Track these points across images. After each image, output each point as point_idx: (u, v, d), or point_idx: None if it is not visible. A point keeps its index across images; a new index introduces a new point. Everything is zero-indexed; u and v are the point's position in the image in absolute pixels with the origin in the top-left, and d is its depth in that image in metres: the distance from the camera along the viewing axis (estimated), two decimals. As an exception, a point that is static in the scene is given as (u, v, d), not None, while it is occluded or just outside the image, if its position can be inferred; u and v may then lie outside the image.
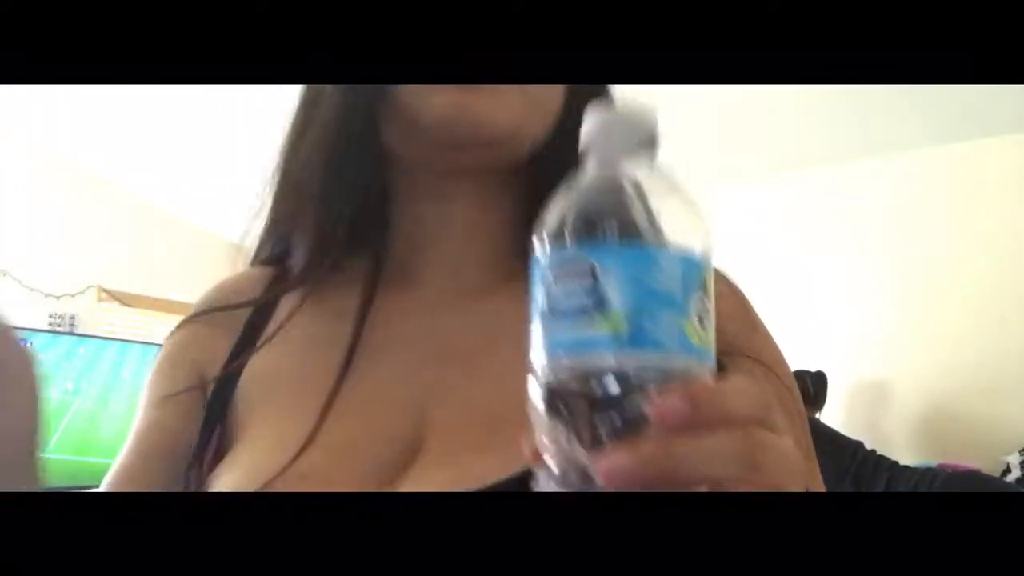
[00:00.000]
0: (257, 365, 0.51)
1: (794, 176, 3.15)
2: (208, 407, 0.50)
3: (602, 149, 0.30)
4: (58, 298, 3.40)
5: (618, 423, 0.26)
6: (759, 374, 0.48)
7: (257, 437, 0.47)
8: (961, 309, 2.80)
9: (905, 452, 2.57)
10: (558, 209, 0.30)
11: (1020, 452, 2.46)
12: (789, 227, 3.18)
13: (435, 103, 0.45)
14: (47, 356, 3.04)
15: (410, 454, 0.44)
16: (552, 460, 0.28)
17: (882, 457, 2.29)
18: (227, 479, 0.45)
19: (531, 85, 0.48)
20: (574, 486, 0.27)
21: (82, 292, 3.49)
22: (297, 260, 0.52)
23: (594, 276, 0.27)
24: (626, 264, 0.27)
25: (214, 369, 0.51)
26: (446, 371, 0.47)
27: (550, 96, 0.49)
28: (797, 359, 2.68)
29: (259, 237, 0.58)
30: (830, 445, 2.27)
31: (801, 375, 2.63)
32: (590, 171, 0.31)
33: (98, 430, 3.12)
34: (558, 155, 0.46)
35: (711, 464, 0.25)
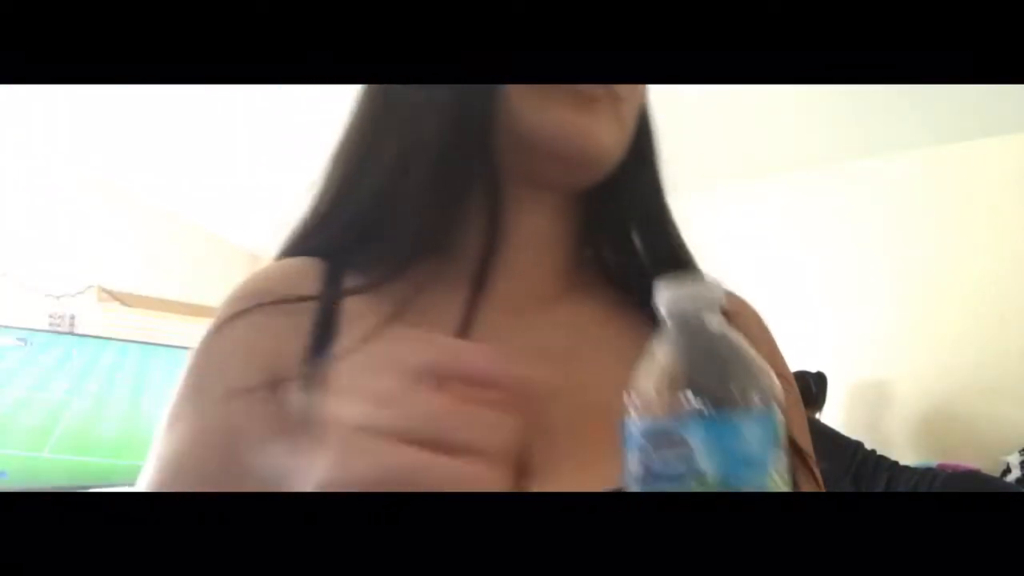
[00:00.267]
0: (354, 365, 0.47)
1: (794, 176, 3.15)
2: (286, 405, 0.45)
3: (681, 316, 0.34)
4: (58, 298, 3.40)
5: None
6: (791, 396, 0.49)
7: None
8: (961, 309, 2.80)
9: (905, 452, 2.57)
10: (651, 380, 0.33)
11: (1020, 452, 2.46)
12: (789, 227, 3.18)
13: (553, 119, 0.47)
14: (47, 356, 3.04)
15: (527, 456, 0.44)
16: None
17: (882, 457, 2.29)
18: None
19: (626, 112, 0.50)
20: None
21: (82, 292, 3.50)
22: (378, 261, 0.51)
23: (687, 446, 0.31)
24: (715, 435, 0.31)
25: (288, 366, 0.46)
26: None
27: (632, 125, 0.52)
28: (797, 359, 2.69)
29: (300, 227, 0.56)
30: (830, 445, 2.28)
31: (802, 375, 2.63)
32: (673, 339, 0.34)
33: (97, 430, 3.12)
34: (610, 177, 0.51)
35: None
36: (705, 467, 0.30)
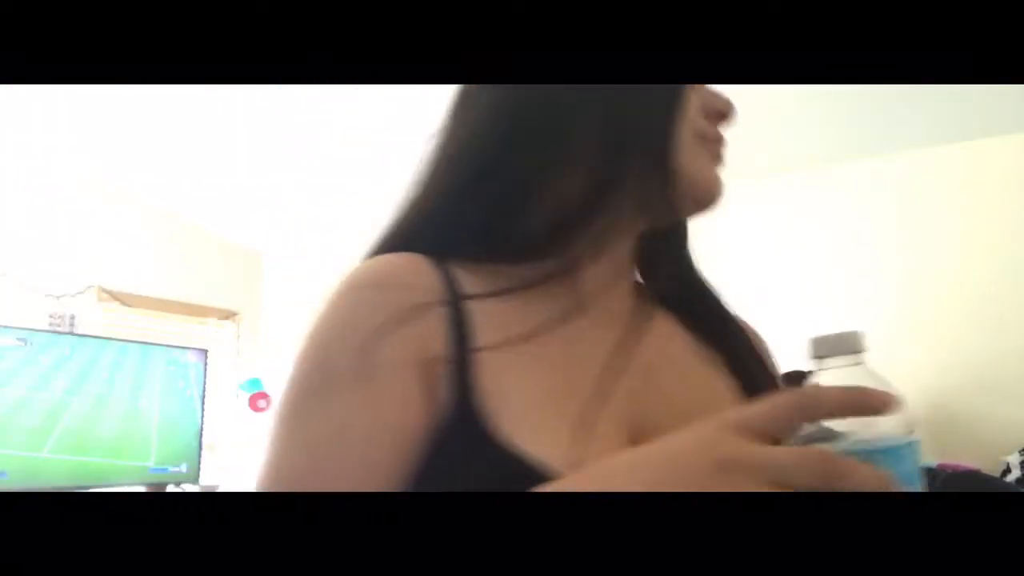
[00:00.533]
0: (500, 365, 0.49)
1: (794, 176, 3.15)
2: (434, 391, 0.47)
3: (833, 364, 0.40)
4: (58, 298, 3.40)
5: None
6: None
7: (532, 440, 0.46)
8: (961, 309, 2.80)
9: (905, 452, 2.56)
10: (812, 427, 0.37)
11: (1020, 452, 2.46)
12: (788, 227, 3.18)
13: (709, 176, 0.54)
14: (47, 356, 3.04)
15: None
16: None
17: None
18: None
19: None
20: None
21: (82, 292, 3.49)
22: (489, 262, 0.53)
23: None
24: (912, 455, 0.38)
25: (433, 352, 0.48)
26: (633, 383, 0.53)
27: None
28: (797, 359, 2.69)
29: (408, 224, 0.56)
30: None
31: (800, 375, 2.63)
32: (827, 384, 0.39)
33: (97, 430, 3.12)
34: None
35: None
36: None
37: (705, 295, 0.63)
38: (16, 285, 3.25)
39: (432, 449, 0.46)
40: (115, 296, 3.61)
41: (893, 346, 2.88)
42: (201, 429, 3.44)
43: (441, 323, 0.49)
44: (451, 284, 0.51)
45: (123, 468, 3.17)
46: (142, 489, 3.16)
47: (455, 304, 0.50)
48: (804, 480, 0.33)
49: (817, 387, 0.37)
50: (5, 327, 2.95)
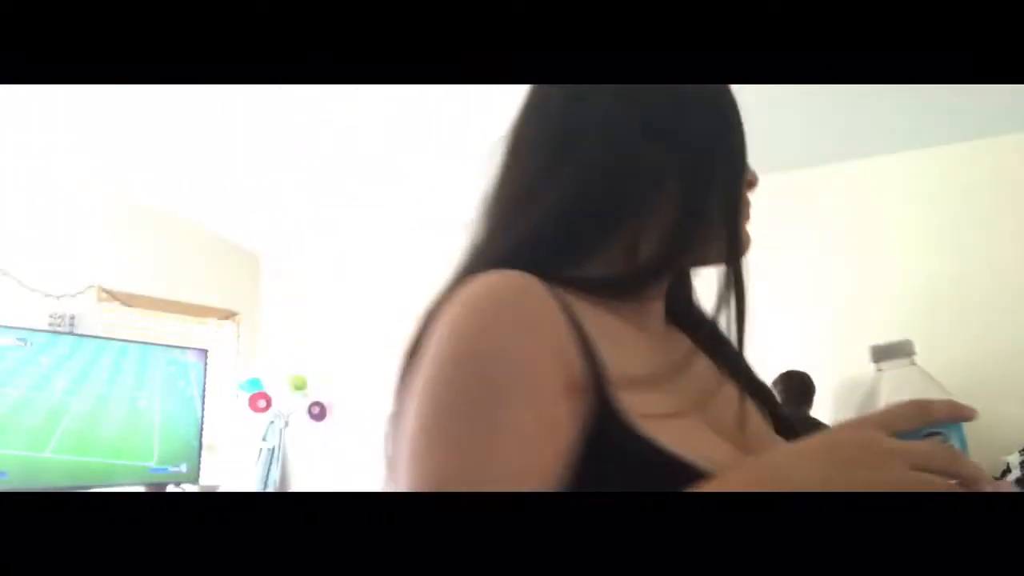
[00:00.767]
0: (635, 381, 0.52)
1: (793, 176, 3.15)
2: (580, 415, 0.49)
3: (889, 367, 0.50)
4: (58, 298, 3.40)
5: None
6: None
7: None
8: (960, 309, 2.80)
9: (905, 452, 2.56)
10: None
11: (1020, 452, 2.46)
12: (788, 226, 3.18)
13: (747, 236, 0.62)
14: (47, 356, 3.04)
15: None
16: None
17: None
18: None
19: None
20: None
21: (82, 292, 3.50)
22: (584, 279, 0.57)
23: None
24: (960, 439, 0.45)
25: (572, 369, 0.50)
26: (705, 396, 0.60)
27: None
28: (797, 359, 2.69)
29: (512, 242, 0.58)
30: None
31: (799, 375, 2.64)
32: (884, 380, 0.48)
33: (97, 430, 3.13)
34: None
35: None
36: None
37: (704, 316, 0.68)
38: (16, 285, 3.25)
39: (585, 450, 0.48)
40: (115, 296, 3.61)
41: (893, 346, 2.88)
42: (201, 429, 3.44)
43: (572, 341, 0.51)
44: (566, 306, 0.53)
45: (124, 468, 3.17)
46: (142, 489, 3.16)
47: (576, 324, 0.52)
48: (937, 464, 0.41)
49: (930, 400, 0.46)
50: (5, 327, 2.95)
